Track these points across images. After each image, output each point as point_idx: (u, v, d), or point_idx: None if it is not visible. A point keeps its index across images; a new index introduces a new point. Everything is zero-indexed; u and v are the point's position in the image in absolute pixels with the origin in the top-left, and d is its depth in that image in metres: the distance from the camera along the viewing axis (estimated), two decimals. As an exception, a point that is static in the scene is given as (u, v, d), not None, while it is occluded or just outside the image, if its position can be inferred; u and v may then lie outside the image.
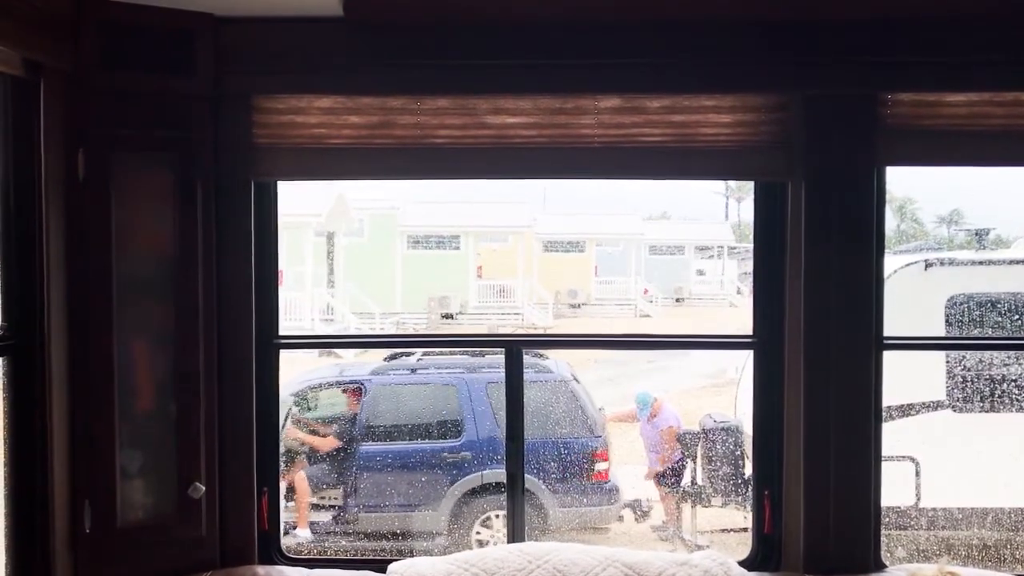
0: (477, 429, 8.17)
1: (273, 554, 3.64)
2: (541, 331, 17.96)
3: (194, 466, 3.36)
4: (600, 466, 8.20)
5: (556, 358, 8.74)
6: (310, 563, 3.60)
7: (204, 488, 3.36)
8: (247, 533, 3.51)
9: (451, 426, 8.28)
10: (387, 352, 9.27)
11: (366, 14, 3.18)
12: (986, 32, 3.29)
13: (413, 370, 8.85)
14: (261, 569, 3.47)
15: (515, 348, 3.77)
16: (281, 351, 3.69)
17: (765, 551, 3.65)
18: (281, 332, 3.70)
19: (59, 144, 3.11)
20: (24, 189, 3.07)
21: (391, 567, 3.35)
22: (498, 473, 7.84)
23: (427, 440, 8.30)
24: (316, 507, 8.17)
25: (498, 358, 8.08)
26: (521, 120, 3.49)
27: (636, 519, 8.53)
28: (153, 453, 3.38)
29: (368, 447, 8.23)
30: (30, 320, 3.08)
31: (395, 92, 3.43)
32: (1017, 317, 7.70)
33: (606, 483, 8.24)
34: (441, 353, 9.20)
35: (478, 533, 7.99)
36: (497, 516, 7.92)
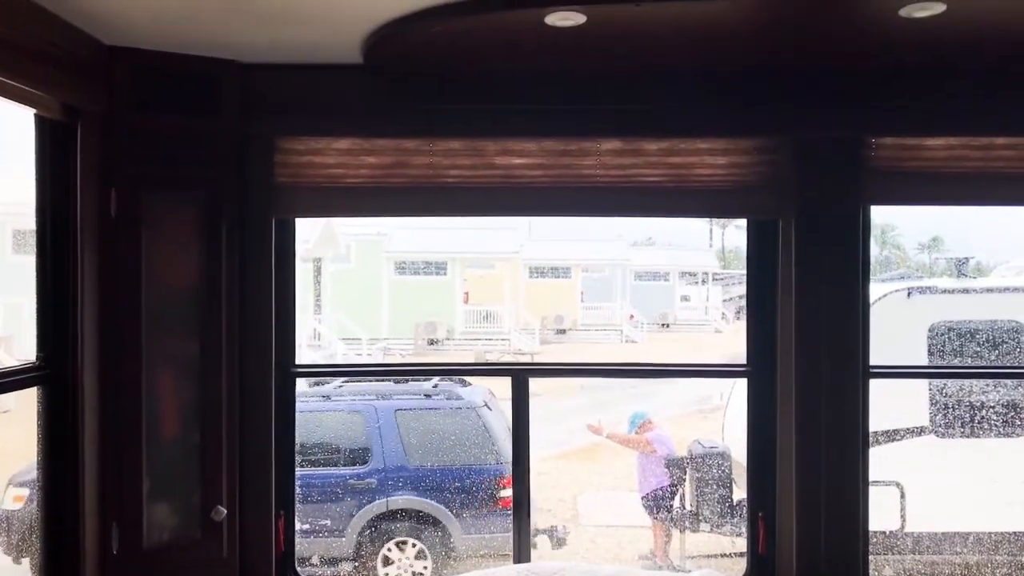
0: (384, 456, 8.30)
1: (288, 574, 3.79)
2: (529, 356, 18.05)
3: (216, 490, 3.51)
4: (504, 493, 8.25)
5: (476, 385, 8.83)
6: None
7: (226, 511, 3.51)
8: (265, 554, 3.66)
9: (359, 453, 8.42)
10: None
11: (384, 62, 3.36)
12: (962, 80, 3.49)
13: (327, 396, 8.92)
14: (277, 589, 3.62)
15: (521, 376, 3.92)
16: (297, 380, 3.86)
17: (759, 572, 3.81)
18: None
19: (93, 183, 3.26)
20: (60, 226, 3.21)
21: None
22: (402, 500, 8.11)
23: (336, 467, 8.42)
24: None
25: (415, 385, 8.26)
26: (527, 161, 3.67)
27: (552, 547, 8.66)
28: (178, 478, 3.52)
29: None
30: (64, 351, 3.22)
31: (409, 134, 3.61)
32: (998, 345, 7.92)
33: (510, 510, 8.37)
34: (361, 381, 9.28)
35: (388, 551, 8.15)
36: (405, 543, 8.16)
